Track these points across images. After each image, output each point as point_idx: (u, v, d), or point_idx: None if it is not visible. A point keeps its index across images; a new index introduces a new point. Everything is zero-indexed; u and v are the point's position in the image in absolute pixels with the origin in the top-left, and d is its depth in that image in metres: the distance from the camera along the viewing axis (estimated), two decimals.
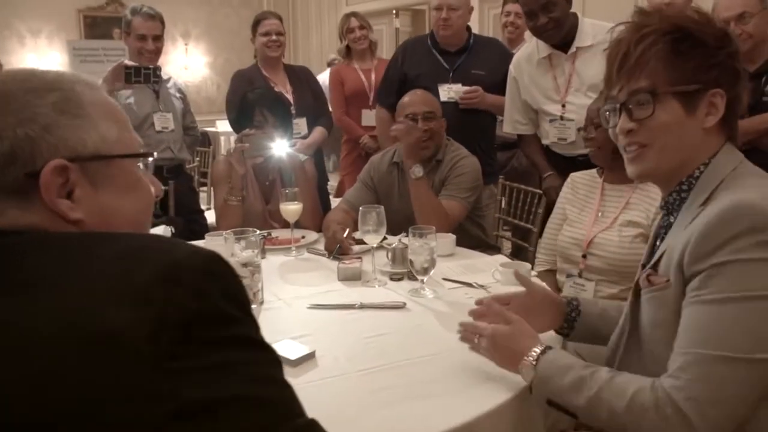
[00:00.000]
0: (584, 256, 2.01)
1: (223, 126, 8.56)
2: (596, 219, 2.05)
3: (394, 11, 8.33)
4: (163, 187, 0.92)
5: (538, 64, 2.75)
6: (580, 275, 2.04)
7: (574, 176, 2.25)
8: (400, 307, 1.75)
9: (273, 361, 0.70)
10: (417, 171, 2.38)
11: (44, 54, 8.29)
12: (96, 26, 8.53)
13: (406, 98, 2.65)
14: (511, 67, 2.92)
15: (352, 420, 1.16)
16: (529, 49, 2.84)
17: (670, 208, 1.20)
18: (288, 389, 0.69)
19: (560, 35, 2.63)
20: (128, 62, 2.99)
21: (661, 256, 1.14)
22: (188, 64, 9.16)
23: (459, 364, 1.37)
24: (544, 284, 1.69)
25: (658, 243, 1.22)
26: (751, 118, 2.49)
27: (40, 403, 0.57)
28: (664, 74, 1.11)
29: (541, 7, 2.56)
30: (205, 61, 9.48)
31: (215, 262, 0.68)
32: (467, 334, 1.35)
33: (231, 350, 0.65)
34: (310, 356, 1.41)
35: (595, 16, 2.91)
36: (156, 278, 0.63)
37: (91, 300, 0.61)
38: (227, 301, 0.66)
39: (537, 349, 1.21)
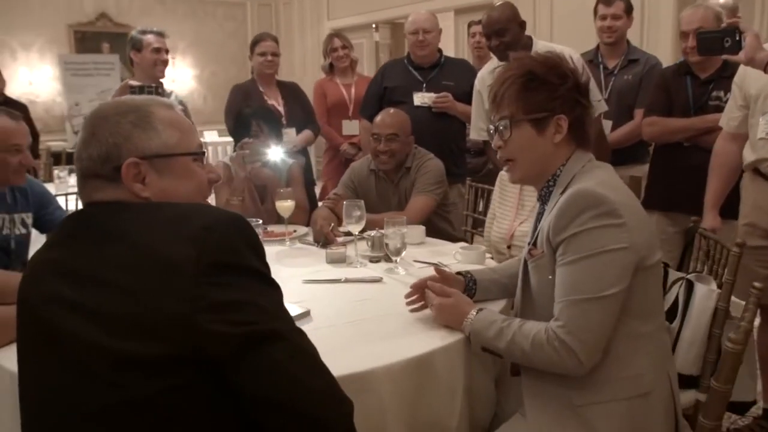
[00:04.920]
0: (509, 247, 2.46)
1: (211, 137, 8.93)
2: (517, 213, 2.48)
3: (373, 25, 8.76)
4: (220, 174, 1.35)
5: None
6: None
7: (503, 174, 2.67)
8: (378, 280, 2.17)
9: (274, 288, 1.11)
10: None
11: (36, 67, 8.61)
12: (86, 41, 8.86)
13: (378, 117, 3.08)
14: (476, 81, 3.38)
15: (341, 352, 1.56)
16: (492, 65, 3.30)
17: (544, 199, 1.63)
18: (281, 306, 1.10)
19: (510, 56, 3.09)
20: (132, 82, 3.41)
21: (538, 235, 1.58)
22: (175, 76, 9.49)
23: (420, 318, 1.79)
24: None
25: (538, 225, 1.65)
26: (694, 118, 2.96)
27: (131, 300, 1.01)
28: (520, 105, 1.55)
29: (494, 32, 3.05)
30: (192, 73, 9.84)
31: (238, 218, 1.10)
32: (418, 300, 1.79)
33: (244, 276, 1.06)
34: (306, 314, 1.82)
35: (562, 41, 3.41)
36: (200, 227, 1.05)
37: (158, 241, 1.04)
38: (246, 245, 1.08)
39: (474, 312, 1.63)
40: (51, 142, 7.39)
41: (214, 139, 8.90)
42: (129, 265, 1.03)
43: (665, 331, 1.62)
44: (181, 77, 9.63)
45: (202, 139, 8.48)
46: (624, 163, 3.43)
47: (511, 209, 2.52)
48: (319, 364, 1.11)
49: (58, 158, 6.62)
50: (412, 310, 1.81)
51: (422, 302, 1.81)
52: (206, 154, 6.48)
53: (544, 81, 1.55)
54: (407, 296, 1.84)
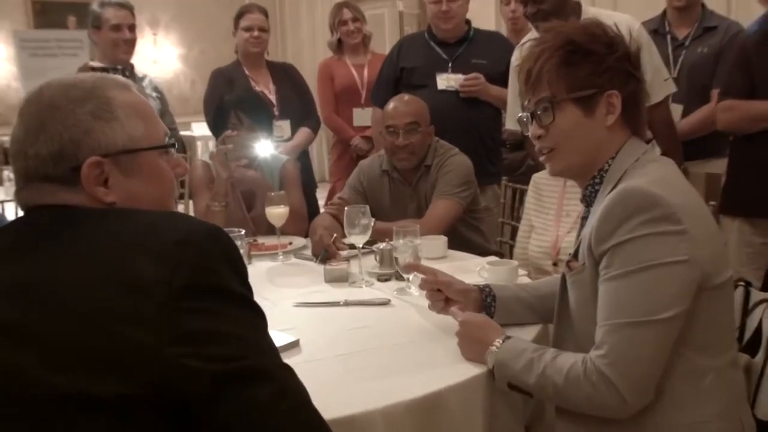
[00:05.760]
0: (555, 264, 2.44)
1: (200, 129, 8.98)
2: (560, 221, 2.48)
3: None
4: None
5: None
6: None
7: (537, 177, 2.70)
8: (384, 303, 2.18)
9: (257, 315, 1.12)
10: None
11: None
12: (47, 13, 8.95)
13: (390, 105, 3.10)
14: (513, 58, 3.37)
15: (331, 391, 1.56)
16: (533, 36, 3.29)
17: (588, 200, 1.64)
18: (266, 337, 1.12)
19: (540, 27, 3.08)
20: (94, 63, 3.47)
21: (579, 244, 1.58)
22: (157, 57, 9.61)
23: (431, 348, 1.80)
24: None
25: (581, 233, 1.65)
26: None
27: (85, 325, 1.01)
28: (562, 83, 1.55)
29: None
30: (177, 53, 9.95)
31: (218, 232, 1.12)
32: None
33: (223, 301, 1.07)
34: (295, 344, 1.83)
35: (628, 10, 3.39)
36: (173, 242, 1.06)
37: (123, 256, 1.05)
38: (226, 264, 1.10)
39: (500, 340, 1.63)
40: (5, 137, 7.51)
41: (204, 133, 8.96)
42: (85, 284, 1.04)
43: (738, 368, 1.61)
44: (164, 57, 9.75)
45: (189, 132, 8.66)
46: (698, 157, 3.40)
47: (553, 218, 2.52)
48: (310, 408, 1.12)
49: None
50: (439, 311, 1.92)
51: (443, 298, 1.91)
52: (190, 150, 6.44)
53: (588, 51, 1.55)
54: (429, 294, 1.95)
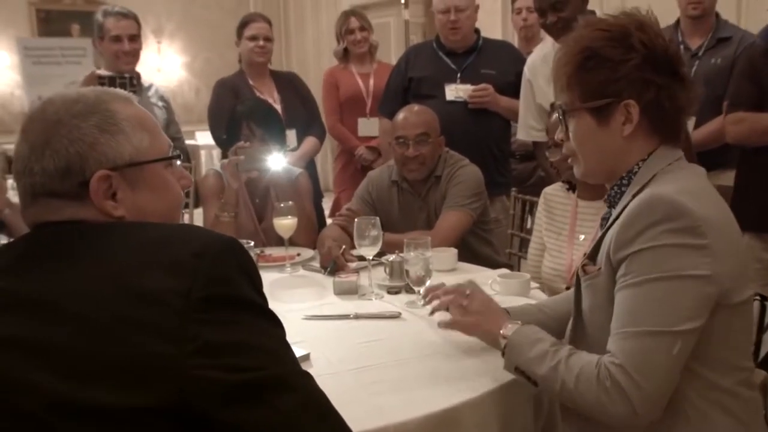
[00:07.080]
0: (568, 288, 2.43)
1: (204, 138, 8.99)
2: (574, 243, 2.46)
3: (402, 0, 8.81)
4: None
5: None
6: None
7: (548, 192, 2.68)
8: (395, 316, 2.18)
9: (275, 324, 1.13)
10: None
11: None
12: (51, 22, 8.99)
13: (400, 116, 3.12)
14: (526, 68, 3.39)
15: (344, 406, 1.54)
16: (545, 49, 3.31)
17: (612, 201, 1.62)
18: (285, 346, 1.12)
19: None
20: (101, 72, 3.48)
21: (598, 247, 1.56)
22: (162, 65, 9.63)
23: (444, 363, 1.80)
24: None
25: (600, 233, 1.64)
26: None
27: (100, 335, 1.01)
28: (576, 91, 1.55)
29: (550, 5, 3.06)
30: (182, 61, 9.97)
31: (233, 243, 1.13)
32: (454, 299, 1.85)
33: (241, 311, 1.08)
34: (305, 358, 1.83)
35: None
36: (189, 254, 1.07)
37: (138, 268, 1.06)
38: (242, 273, 1.10)
39: (518, 322, 1.65)
40: (8, 145, 7.51)
41: (208, 142, 8.96)
42: (99, 295, 1.04)
43: (753, 386, 1.59)
44: (168, 66, 9.78)
45: (193, 141, 8.68)
46: (711, 169, 3.35)
47: (566, 240, 2.50)
48: (334, 414, 1.13)
49: None
50: (434, 311, 1.95)
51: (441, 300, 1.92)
52: (194, 160, 6.45)
53: (603, 58, 1.51)
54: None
